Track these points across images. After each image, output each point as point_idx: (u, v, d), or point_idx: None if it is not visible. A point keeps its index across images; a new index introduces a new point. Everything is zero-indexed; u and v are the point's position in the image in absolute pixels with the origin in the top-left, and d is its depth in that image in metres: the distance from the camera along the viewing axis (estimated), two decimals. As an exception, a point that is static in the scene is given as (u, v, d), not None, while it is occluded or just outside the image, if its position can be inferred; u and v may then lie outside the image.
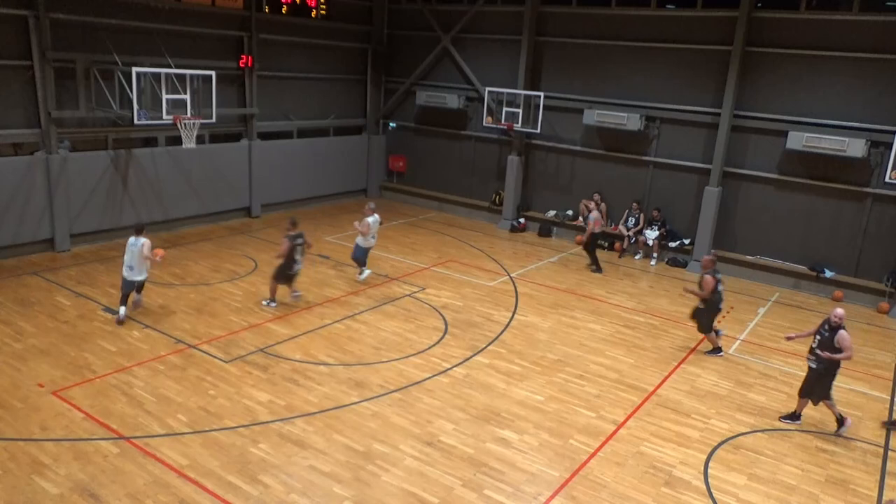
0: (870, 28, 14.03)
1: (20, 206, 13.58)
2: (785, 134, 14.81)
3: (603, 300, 13.76)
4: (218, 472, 7.31)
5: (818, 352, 8.79)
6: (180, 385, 9.11)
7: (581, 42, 17.66)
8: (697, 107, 16.20)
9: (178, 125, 13.96)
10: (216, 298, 12.28)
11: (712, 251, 15.43)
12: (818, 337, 8.88)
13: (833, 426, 9.09)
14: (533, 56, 18.27)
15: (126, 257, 10.88)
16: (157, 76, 13.45)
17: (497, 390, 9.60)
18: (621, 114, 16.65)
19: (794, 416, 9.31)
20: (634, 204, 17.10)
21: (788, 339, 9.80)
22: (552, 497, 7.32)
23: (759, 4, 15.26)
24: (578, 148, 18.23)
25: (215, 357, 10.00)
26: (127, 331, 10.66)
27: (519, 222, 19.09)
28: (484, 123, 18.85)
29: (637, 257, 17.00)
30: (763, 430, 9.02)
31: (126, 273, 10.88)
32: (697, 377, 10.49)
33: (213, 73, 14.39)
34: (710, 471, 7.99)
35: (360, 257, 13.46)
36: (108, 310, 11.42)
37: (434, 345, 10.98)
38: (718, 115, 15.71)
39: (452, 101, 19.52)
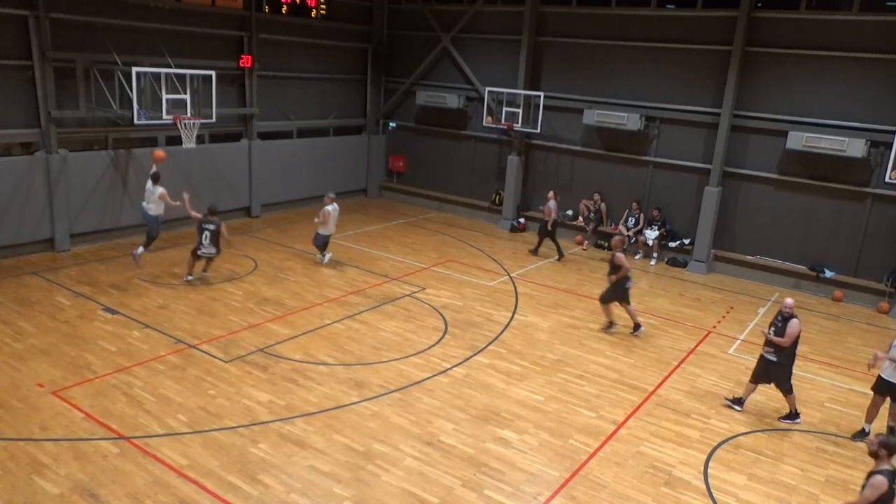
0: (870, 28, 14.03)
1: (20, 205, 13.57)
2: (785, 134, 14.82)
3: (603, 300, 13.75)
4: (218, 472, 7.31)
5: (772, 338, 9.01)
6: (180, 385, 9.11)
7: (581, 42, 17.66)
8: (697, 107, 16.20)
9: (178, 125, 13.96)
10: (216, 298, 12.28)
11: (627, 236, 16.26)
12: (772, 328, 9.06)
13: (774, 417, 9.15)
14: (533, 56, 18.27)
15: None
16: (157, 76, 13.44)
17: (497, 390, 9.60)
18: (621, 114, 16.65)
19: (737, 401, 9.49)
20: (634, 204, 17.10)
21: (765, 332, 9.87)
22: (552, 497, 7.32)
23: (759, 4, 15.26)
24: (578, 148, 18.23)
25: (215, 357, 10.00)
26: (127, 331, 10.67)
27: (519, 222, 19.09)
28: (484, 123, 18.85)
29: (637, 257, 17.00)
30: (763, 430, 9.03)
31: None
32: (697, 377, 10.49)
33: (213, 72, 14.39)
34: (710, 471, 7.99)
35: (320, 244, 14.56)
36: (107, 309, 11.42)
37: (434, 345, 10.98)
38: (718, 114, 15.71)
39: (452, 100, 19.52)
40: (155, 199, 13.22)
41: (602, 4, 17.28)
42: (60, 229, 14.22)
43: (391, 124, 21.94)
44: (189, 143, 14.32)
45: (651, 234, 16.69)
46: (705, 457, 8.28)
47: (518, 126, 17.90)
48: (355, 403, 8.95)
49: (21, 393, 8.63)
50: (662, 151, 16.97)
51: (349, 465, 7.61)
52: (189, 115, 13.95)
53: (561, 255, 16.41)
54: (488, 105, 18.40)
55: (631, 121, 16.52)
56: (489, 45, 19.23)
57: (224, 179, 17.33)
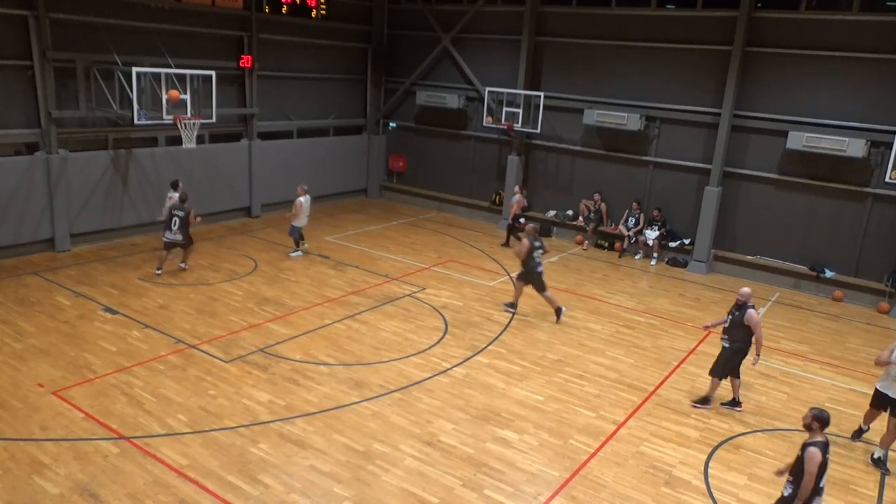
0: (870, 28, 14.03)
1: (20, 205, 13.58)
2: (785, 134, 14.81)
3: (603, 300, 13.76)
4: (218, 471, 7.31)
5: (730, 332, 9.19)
6: (180, 385, 9.11)
7: (581, 42, 17.66)
8: (697, 107, 16.20)
9: (179, 125, 13.96)
10: (216, 298, 12.28)
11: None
12: (730, 318, 9.19)
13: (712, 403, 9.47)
14: (533, 56, 18.27)
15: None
16: (157, 76, 13.43)
17: (497, 390, 9.60)
18: (621, 114, 16.65)
19: (705, 401, 9.54)
20: (634, 204, 17.10)
21: (706, 328, 10.24)
22: (552, 497, 7.32)
23: (759, 4, 15.25)
24: (578, 148, 18.23)
25: (215, 357, 10.00)
26: (127, 331, 10.67)
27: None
28: (484, 123, 18.85)
29: (637, 257, 17.00)
30: (763, 430, 9.03)
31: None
32: (697, 377, 10.48)
33: (213, 73, 14.38)
34: (710, 471, 7.99)
35: (296, 236, 15.02)
36: (107, 309, 11.43)
37: (434, 345, 10.98)
38: (718, 115, 15.71)
39: (452, 100, 19.52)
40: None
41: (602, 4, 17.28)
42: (60, 229, 14.22)
43: (391, 124, 21.94)
44: (189, 143, 14.33)
45: (651, 234, 16.69)
46: (705, 457, 8.28)
47: (518, 126, 17.90)
48: (355, 403, 8.95)
49: (21, 393, 8.63)
50: (662, 151, 16.97)
51: (349, 465, 7.61)
52: (189, 115, 13.95)
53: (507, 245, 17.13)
54: (488, 105, 18.40)
55: (631, 121, 16.52)
56: (489, 45, 19.23)
57: (224, 179, 17.34)
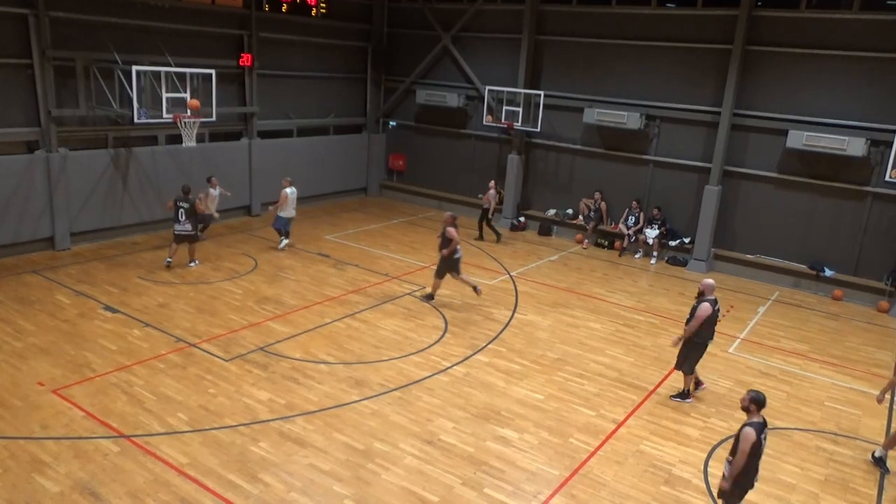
0: (870, 27, 14.03)
1: (20, 204, 13.57)
2: (785, 133, 14.82)
3: (603, 299, 13.76)
4: (218, 470, 7.32)
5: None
6: (180, 383, 9.11)
7: (581, 41, 17.66)
8: (697, 105, 16.20)
9: (178, 124, 13.95)
10: (216, 297, 12.28)
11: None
12: (692, 308, 9.39)
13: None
14: (533, 54, 18.26)
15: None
16: (157, 75, 13.42)
17: (497, 389, 9.60)
18: (621, 112, 16.65)
19: (683, 395, 9.63)
20: (634, 203, 17.10)
21: (676, 344, 9.77)
22: (552, 496, 7.33)
23: (760, 3, 15.25)
24: (578, 147, 18.23)
25: (215, 356, 10.01)
26: (127, 329, 10.67)
27: (519, 221, 19.09)
28: (484, 122, 18.85)
29: (637, 256, 17.00)
30: (763, 429, 9.02)
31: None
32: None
33: (213, 71, 14.38)
34: (709, 469, 7.99)
35: (280, 227, 15.25)
36: (108, 308, 11.43)
37: (434, 343, 10.99)
38: (718, 113, 15.70)
39: (452, 99, 19.52)
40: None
41: (602, 3, 17.28)
42: (60, 228, 14.22)
43: (391, 123, 21.94)
44: (189, 141, 14.32)
45: (651, 233, 16.69)
46: (705, 455, 8.29)
47: (518, 125, 17.89)
48: (355, 402, 8.96)
49: (21, 391, 8.64)
50: (662, 150, 16.97)
51: (349, 463, 7.61)
52: (189, 113, 13.94)
53: (490, 238, 17.47)
54: (488, 104, 18.40)
55: (631, 119, 16.52)
56: (489, 43, 19.23)
57: (224, 178, 17.28)
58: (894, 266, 14.41)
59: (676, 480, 7.74)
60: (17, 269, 13.03)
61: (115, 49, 14.22)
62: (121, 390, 8.83)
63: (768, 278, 15.68)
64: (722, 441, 8.61)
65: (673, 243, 16.72)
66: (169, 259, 13.56)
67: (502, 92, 18.13)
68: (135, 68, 13.10)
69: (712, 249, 16.27)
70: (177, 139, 14.90)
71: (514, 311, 12.68)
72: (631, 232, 16.98)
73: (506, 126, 18.18)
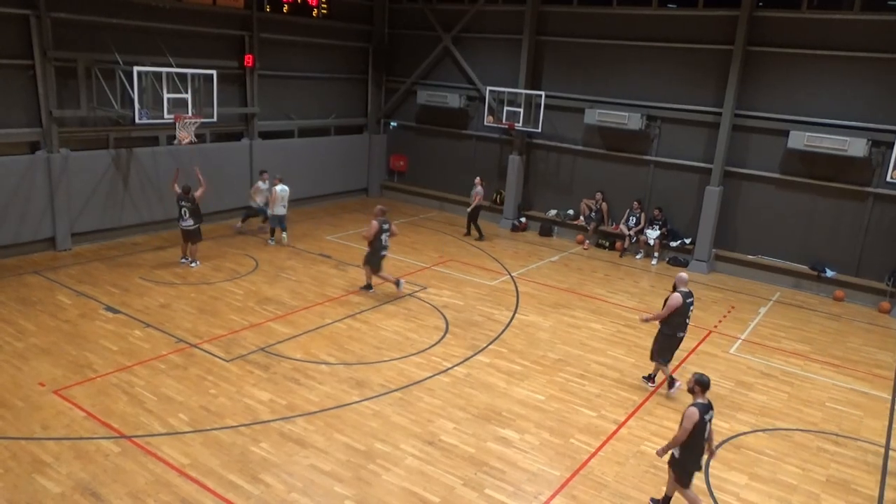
0: (871, 27, 14.02)
1: (21, 205, 13.59)
2: (786, 133, 14.81)
3: (604, 300, 13.76)
4: (219, 471, 7.32)
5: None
6: (181, 384, 9.12)
7: (582, 41, 17.66)
8: (698, 106, 16.19)
9: (179, 124, 13.95)
10: (217, 297, 12.29)
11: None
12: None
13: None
14: (534, 55, 18.27)
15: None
16: (158, 75, 13.44)
17: (498, 389, 9.60)
18: (622, 113, 16.65)
19: (671, 383, 9.76)
20: (635, 203, 17.09)
21: (644, 320, 10.02)
22: (553, 496, 7.33)
23: (761, 4, 15.24)
24: (579, 147, 18.23)
25: (216, 356, 10.01)
26: (128, 330, 10.68)
27: (520, 221, 19.09)
28: (485, 123, 18.84)
29: (638, 257, 17.00)
30: (764, 430, 9.02)
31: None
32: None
33: (214, 72, 14.39)
34: (710, 470, 7.99)
35: (274, 224, 15.73)
36: (109, 309, 11.44)
37: (435, 344, 10.99)
38: (720, 114, 15.70)
39: (453, 100, 19.52)
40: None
41: (603, 4, 17.28)
42: (62, 228, 14.23)
43: (392, 124, 21.94)
44: (181, 135, 14.16)
45: (652, 234, 16.68)
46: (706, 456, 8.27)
47: (519, 125, 17.89)
48: (356, 403, 8.96)
49: (22, 392, 8.64)
50: (663, 151, 16.97)
51: (350, 464, 7.61)
52: (190, 114, 13.95)
53: (477, 236, 17.67)
54: (489, 104, 18.39)
55: (632, 120, 16.52)
56: (490, 44, 19.23)
57: (225, 179, 17.32)
58: (895, 267, 14.39)
59: (677, 481, 7.72)
60: (19, 269, 13.04)
61: (116, 50, 14.23)
62: (122, 391, 8.83)
63: (769, 279, 15.67)
64: (722, 442, 8.60)
65: (674, 244, 16.71)
66: (183, 258, 13.92)
67: (503, 92, 18.13)
68: (136, 69, 13.11)
69: (713, 250, 16.26)
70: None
71: (515, 312, 12.67)
72: (632, 232, 16.97)
73: (507, 127, 18.18)
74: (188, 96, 13.83)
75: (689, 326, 9.68)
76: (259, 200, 15.88)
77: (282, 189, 15.43)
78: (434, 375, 9.88)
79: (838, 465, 8.32)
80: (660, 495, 7.40)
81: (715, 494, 7.54)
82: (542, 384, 9.87)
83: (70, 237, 14.44)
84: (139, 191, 15.54)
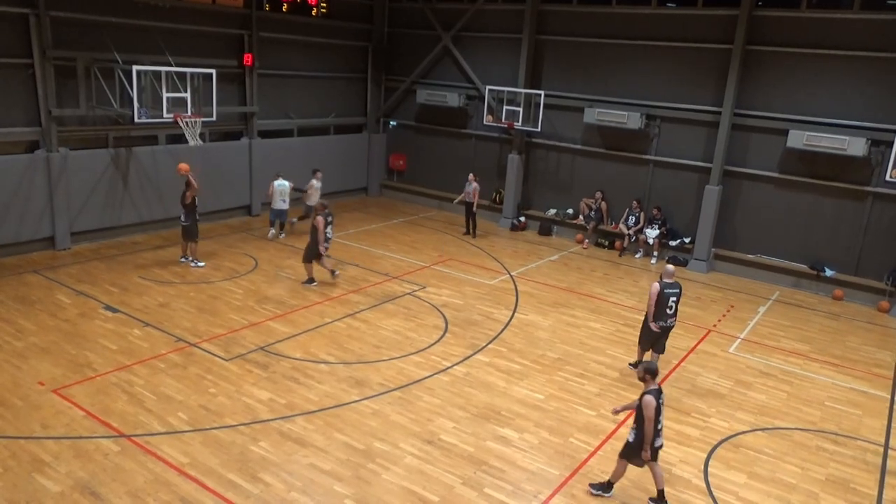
0: (871, 27, 14.02)
1: (21, 204, 13.58)
2: (786, 132, 14.81)
3: (603, 299, 13.76)
4: (218, 470, 7.32)
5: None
6: (181, 383, 9.12)
7: (581, 40, 17.66)
8: (698, 105, 16.20)
9: (180, 123, 13.94)
10: (217, 297, 12.29)
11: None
12: None
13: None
14: (533, 54, 18.26)
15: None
16: (157, 74, 13.43)
17: (497, 389, 9.60)
18: (622, 112, 16.65)
19: (637, 365, 10.01)
20: (635, 202, 17.09)
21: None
22: (552, 495, 7.33)
23: (760, 3, 15.25)
24: (579, 146, 18.23)
25: (216, 355, 10.01)
26: (127, 329, 10.68)
27: (519, 221, 19.09)
28: (484, 122, 18.84)
29: (637, 256, 17.00)
30: (763, 429, 9.03)
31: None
32: (697, 376, 10.50)
33: (213, 71, 14.38)
34: (710, 469, 8.00)
35: (273, 218, 16.16)
36: (108, 308, 11.43)
37: (434, 343, 10.99)
38: (719, 113, 15.70)
39: (453, 99, 19.52)
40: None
41: (603, 3, 17.27)
42: (61, 228, 14.22)
43: (392, 123, 21.94)
44: (193, 140, 14.28)
45: (652, 233, 16.68)
46: (705, 455, 8.29)
47: (518, 124, 17.89)
48: (356, 402, 8.96)
49: (22, 391, 8.64)
50: (663, 150, 16.97)
51: (350, 463, 7.62)
52: (190, 113, 13.95)
53: (472, 234, 17.81)
54: (489, 103, 18.39)
55: (631, 119, 16.52)
56: (490, 43, 19.22)
57: (224, 178, 17.33)
58: (895, 266, 14.40)
59: (676, 480, 7.74)
60: (18, 268, 13.04)
61: (115, 49, 14.22)
62: (121, 390, 8.83)
63: (769, 278, 15.68)
64: (722, 441, 8.61)
65: (673, 243, 16.71)
66: (183, 257, 14.03)
67: (503, 92, 18.13)
68: (135, 68, 13.10)
69: (713, 249, 16.27)
70: (177, 139, 14.92)
71: (514, 311, 12.68)
72: (631, 232, 16.98)
73: (506, 126, 18.18)
74: (187, 95, 13.83)
75: (675, 321, 10.09)
76: (313, 199, 15.90)
77: (279, 184, 15.73)
78: (433, 374, 9.89)
79: (837, 465, 8.33)
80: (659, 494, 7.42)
81: (714, 493, 7.55)
82: (542, 383, 9.87)
83: (69, 236, 14.43)
84: (138, 190, 15.53)
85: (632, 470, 7.86)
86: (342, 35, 20.20)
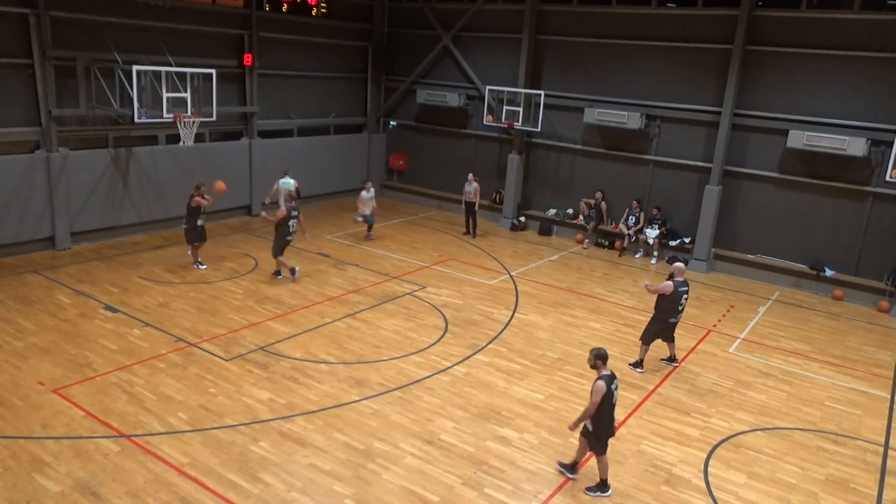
0: (871, 27, 14.02)
1: (21, 204, 13.58)
2: (785, 133, 14.81)
3: (603, 299, 13.76)
4: (218, 470, 7.32)
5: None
6: (181, 383, 9.12)
7: (581, 40, 17.66)
8: (698, 105, 16.19)
9: (178, 123, 13.95)
10: (217, 297, 12.28)
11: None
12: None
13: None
14: (533, 54, 18.26)
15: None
16: (157, 74, 13.42)
17: (497, 388, 9.60)
18: (622, 112, 16.65)
19: (636, 364, 10.58)
20: (635, 202, 17.09)
21: (646, 285, 10.69)
22: (552, 495, 7.33)
23: (760, 3, 15.24)
24: (579, 146, 18.23)
25: (216, 355, 10.01)
26: (127, 329, 10.68)
27: (519, 221, 19.09)
28: (484, 122, 18.84)
29: (637, 256, 17.00)
30: (763, 429, 9.03)
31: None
32: (698, 376, 10.50)
33: (213, 71, 14.38)
34: (710, 469, 8.00)
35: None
36: (108, 308, 11.43)
37: (434, 343, 10.99)
38: (719, 113, 15.70)
39: (453, 99, 19.52)
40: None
41: (603, 3, 17.27)
42: (61, 228, 14.22)
43: (392, 123, 21.94)
44: (188, 141, 14.28)
45: (651, 233, 16.68)
46: (705, 455, 8.29)
47: (518, 124, 17.89)
48: (356, 402, 8.96)
49: (22, 391, 8.64)
50: (663, 150, 16.97)
51: (350, 463, 7.62)
52: (189, 113, 13.95)
53: (472, 234, 17.82)
54: (489, 103, 18.39)
55: (631, 119, 16.52)
56: (490, 43, 19.22)
57: (224, 178, 17.26)
58: (895, 266, 14.40)
59: (676, 480, 7.74)
60: (18, 268, 13.04)
61: (115, 49, 14.22)
62: (121, 390, 8.83)
63: (769, 278, 15.68)
64: (722, 441, 8.61)
65: (673, 243, 16.71)
66: (195, 264, 13.80)
67: (503, 92, 18.13)
68: (135, 68, 13.10)
69: (713, 249, 16.27)
70: (177, 139, 14.87)
71: (514, 311, 12.68)
72: (631, 232, 16.98)
73: (506, 126, 18.18)
74: (187, 95, 13.83)
75: (681, 316, 10.51)
76: (366, 210, 16.33)
77: (284, 182, 15.71)
78: (433, 374, 9.89)
79: (837, 464, 8.33)
80: (658, 495, 7.41)
81: (714, 493, 7.55)
82: (542, 383, 9.87)
83: (69, 236, 14.43)
84: (138, 190, 15.54)
85: (632, 470, 7.87)
86: (342, 35, 20.20)
